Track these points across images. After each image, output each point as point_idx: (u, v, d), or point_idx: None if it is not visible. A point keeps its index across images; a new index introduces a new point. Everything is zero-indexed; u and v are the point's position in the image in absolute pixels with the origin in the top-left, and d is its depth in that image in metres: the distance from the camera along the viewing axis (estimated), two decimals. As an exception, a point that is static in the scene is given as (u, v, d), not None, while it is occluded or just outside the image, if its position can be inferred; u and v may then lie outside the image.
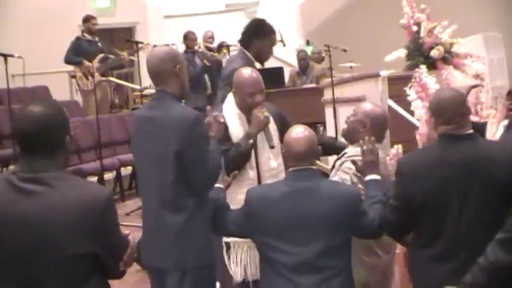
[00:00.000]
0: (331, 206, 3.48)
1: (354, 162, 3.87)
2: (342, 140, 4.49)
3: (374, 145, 3.79)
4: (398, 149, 3.76)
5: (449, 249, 3.33)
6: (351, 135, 4.23)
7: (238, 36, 5.59)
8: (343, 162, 4.12)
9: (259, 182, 4.30)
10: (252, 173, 4.31)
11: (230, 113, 4.35)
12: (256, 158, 4.34)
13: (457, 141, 3.43)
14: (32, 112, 2.75)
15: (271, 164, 4.29)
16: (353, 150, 4.12)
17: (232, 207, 3.96)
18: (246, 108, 4.31)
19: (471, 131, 3.47)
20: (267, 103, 4.46)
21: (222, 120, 4.03)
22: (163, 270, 3.77)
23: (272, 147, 4.26)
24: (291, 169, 3.62)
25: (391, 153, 3.77)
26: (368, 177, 3.77)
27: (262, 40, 5.40)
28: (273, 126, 4.38)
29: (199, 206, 3.71)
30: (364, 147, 3.80)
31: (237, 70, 4.48)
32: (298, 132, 3.63)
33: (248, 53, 5.42)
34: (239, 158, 4.24)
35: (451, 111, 3.45)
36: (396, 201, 3.51)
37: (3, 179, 2.75)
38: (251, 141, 4.24)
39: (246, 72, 4.37)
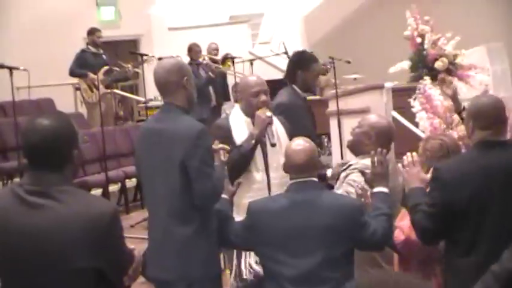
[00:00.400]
0: (330, 218, 3.48)
1: (362, 172, 3.86)
2: (347, 151, 4.50)
3: (385, 157, 3.79)
4: (414, 156, 3.73)
5: (491, 257, 3.22)
6: (356, 147, 4.25)
7: (242, 48, 5.72)
8: (348, 174, 4.12)
9: (268, 186, 4.30)
10: (258, 176, 4.30)
11: (237, 121, 4.37)
12: (266, 161, 4.34)
13: (496, 147, 3.42)
14: (40, 125, 2.72)
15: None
16: (358, 162, 4.13)
17: (237, 211, 3.96)
18: (252, 111, 4.33)
19: (507, 137, 3.47)
20: (280, 117, 4.50)
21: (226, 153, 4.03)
22: (168, 283, 3.76)
23: (273, 144, 4.27)
24: (291, 181, 3.65)
25: (406, 161, 3.74)
26: (376, 189, 3.76)
27: (306, 71, 5.49)
28: (280, 129, 4.40)
29: (206, 218, 3.71)
30: (375, 158, 3.79)
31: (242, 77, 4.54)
32: (298, 144, 3.66)
33: (295, 87, 5.47)
34: (241, 158, 4.25)
35: (492, 116, 3.44)
36: (434, 208, 3.44)
37: (10, 191, 2.74)
38: (253, 141, 4.25)
39: (250, 76, 4.44)
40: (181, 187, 3.67)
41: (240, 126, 4.35)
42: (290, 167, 3.65)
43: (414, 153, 3.73)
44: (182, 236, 3.69)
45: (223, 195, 3.89)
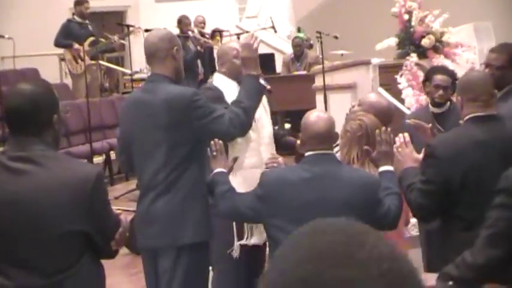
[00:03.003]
0: (350, 192, 3.43)
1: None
2: None
3: (390, 136, 3.68)
4: (406, 137, 3.71)
5: None
6: None
7: (229, 21, 5.61)
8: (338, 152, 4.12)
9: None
10: (253, 134, 4.16)
11: (223, 84, 4.24)
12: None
13: (487, 122, 3.43)
14: (20, 89, 2.78)
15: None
16: None
17: (234, 173, 3.92)
18: (237, 73, 4.15)
19: (495, 112, 3.48)
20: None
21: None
22: (156, 251, 3.77)
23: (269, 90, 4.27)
24: (309, 153, 3.52)
25: (398, 142, 3.72)
26: (382, 168, 3.66)
27: (429, 83, 5.37)
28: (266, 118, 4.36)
29: (194, 184, 3.72)
30: (381, 136, 3.67)
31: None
32: (318, 114, 3.58)
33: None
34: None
35: (479, 88, 3.45)
36: (430, 185, 3.42)
37: None
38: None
39: (226, 43, 4.34)
40: (168, 155, 3.67)
41: (228, 87, 4.20)
42: (309, 138, 3.51)
43: (406, 134, 3.71)
44: (171, 204, 3.69)
45: (221, 169, 3.81)
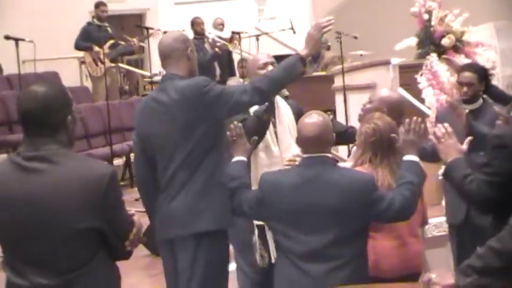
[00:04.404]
0: (342, 195, 3.43)
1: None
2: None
3: (420, 126, 3.65)
4: (447, 128, 3.61)
5: None
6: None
7: (249, 23, 5.64)
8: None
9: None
10: (276, 150, 4.24)
11: None
12: (277, 136, 4.30)
13: None
14: (32, 92, 2.80)
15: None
16: None
17: (255, 184, 3.92)
18: None
19: None
20: (290, 100, 4.47)
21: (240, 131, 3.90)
22: (176, 242, 3.76)
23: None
24: (304, 155, 3.58)
25: (439, 133, 3.64)
26: (406, 158, 3.62)
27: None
28: (287, 111, 4.37)
29: (212, 173, 3.72)
30: (408, 126, 3.64)
31: None
32: (311, 117, 3.57)
33: None
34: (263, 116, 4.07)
35: None
36: (497, 177, 3.29)
37: (8, 160, 2.80)
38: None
39: (256, 54, 4.40)
40: (188, 146, 3.68)
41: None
42: (301, 141, 3.57)
43: (446, 124, 3.63)
44: (189, 194, 3.70)
45: (240, 157, 3.81)
